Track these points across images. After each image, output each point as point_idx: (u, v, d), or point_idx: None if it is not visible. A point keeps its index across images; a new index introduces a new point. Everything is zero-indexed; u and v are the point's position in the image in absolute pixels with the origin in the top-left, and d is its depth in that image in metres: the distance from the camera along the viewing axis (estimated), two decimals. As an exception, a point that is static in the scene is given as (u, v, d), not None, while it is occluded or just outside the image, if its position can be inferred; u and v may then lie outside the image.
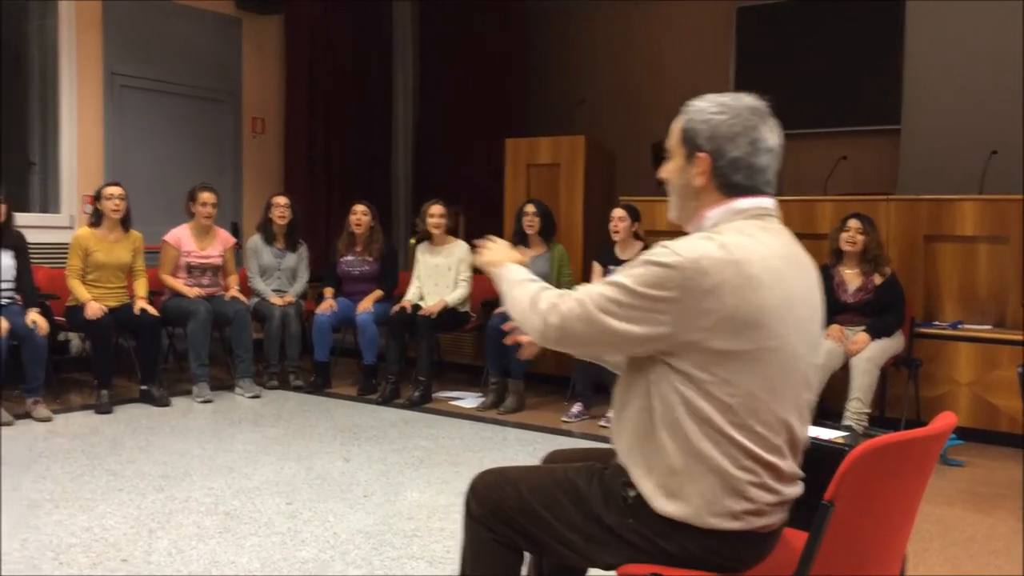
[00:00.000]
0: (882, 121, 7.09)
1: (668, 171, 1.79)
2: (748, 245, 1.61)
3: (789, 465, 1.67)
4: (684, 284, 1.56)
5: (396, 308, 5.79)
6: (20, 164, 6.52)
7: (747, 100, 1.71)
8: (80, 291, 5.23)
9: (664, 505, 1.64)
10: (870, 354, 4.62)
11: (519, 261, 1.95)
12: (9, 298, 4.95)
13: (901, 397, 4.95)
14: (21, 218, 5.31)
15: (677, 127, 1.75)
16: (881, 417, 4.90)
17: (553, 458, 2.07)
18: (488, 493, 1.83)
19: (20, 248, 5.02)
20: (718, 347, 1.57)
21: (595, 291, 1.65)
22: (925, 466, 1.66)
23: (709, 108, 1.71)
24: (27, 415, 4.81)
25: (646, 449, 1.67)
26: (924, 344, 5.03)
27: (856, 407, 4.57)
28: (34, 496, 3.54)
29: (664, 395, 1.63)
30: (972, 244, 5.11)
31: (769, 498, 1.63)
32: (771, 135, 1.71)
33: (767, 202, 1.72)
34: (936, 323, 5.18)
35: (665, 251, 1.60)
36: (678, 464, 1.62)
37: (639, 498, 1.68)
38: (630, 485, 1.70)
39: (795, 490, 1.70)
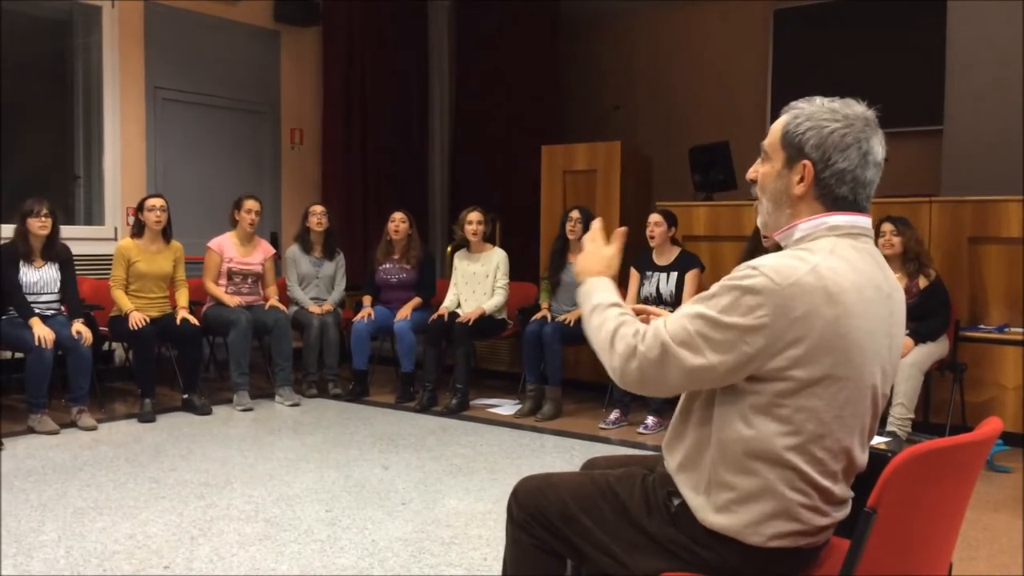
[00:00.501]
0: (924, 122, 6.97)
1: (762, 173, 1.69)
2: (840, 269, 1.53)
3: (842, 489, 1.63)
4: (774, 312, 1.49)
5: (434, 316, 5.81)
6: (66, 178, 6.66)
7: (859, 108, 1.64)
8: (123, 301, 5.32)
9: (712, 518, 1.61)
10: (914, 359, 4.54)
11: (613, 266, 1.83)
12: (55, 309, 5.05)
13: (946, 402, 4.86)
14: (66, 230, 5.42)
15: (778, 127, 1.65)
16: (925, 423, 4.81)
17: (592, 464, 2.06)
18: (530, 499, 1.82)
19: (66, 260, 5.12)
20: (797, 375, 1.51)
21: (675, 328, 1.56)
22: (971, 472, 1.62)
23: (820, 113, 1.61)
24: (73, 424, 4.90)
25: (700, 464, 1.64)
26: (969, 348, 4.93)
27: (900, 412, 4.49)
28: (79, 504, 3.60)
29: (727, 414, 1.59)
30: (1018, 246, 5.00)
31: (818, 520, 1.60)
32: (880, 148, 1.63)
33: (864, 221, 1.63)
34: (982, 326, 5.07)
35: (755, 274, 1.51)
36: (733, 481, 1.59)
37: (683, 507, 1.66)
38: (675, 494, 1.69)
39: (844, 512, 1.66)
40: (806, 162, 1.61)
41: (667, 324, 1.58)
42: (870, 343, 1.56)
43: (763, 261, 1.54)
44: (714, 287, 1.57)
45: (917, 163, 6.90)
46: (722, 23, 8.06)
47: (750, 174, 1.73)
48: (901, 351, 1.69)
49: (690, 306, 1.59)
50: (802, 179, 1.62)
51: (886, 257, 5.01)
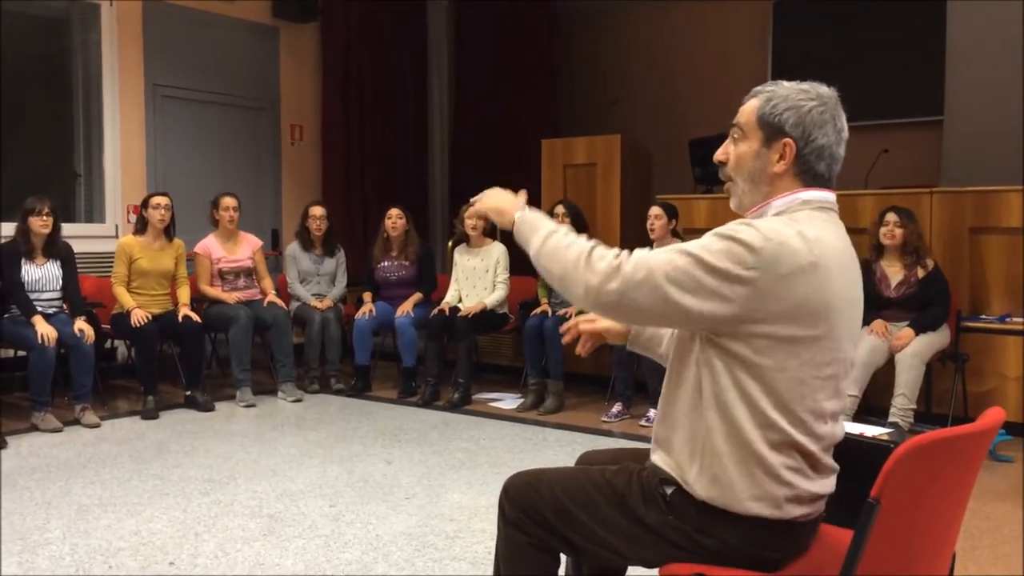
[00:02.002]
0: (923, 112, 6.97)
1: (738, 154, 1.72)
2: (822, 237, 1.59)
3: (825, 456, 1.67)
4: (763, 267, 1.52)
5: (435, 311, 5.82)
6: (66, 176, 6.66)
7: (824, 89, 1.70)
8: (125, 298, 5.33)
9: (706, 490, 1.64)
10: (915, 349, 4.55)
11: (515, 201, 1.85)
12: (57, 307, 5.06)
13: (947, 392, 4.86)
14: (68, 228, 5.42)
15: (752, 108, 1.69)
16: (927, 413, 4.82)
17: (587, 459, 2.07)
18: (521, 495, 1.82)
19: (67, 258, 5.12)
20: (779, 333, 1.56)
21: (663, 259, 1.57)
22: (973, 462, 1.62)
23: (794, 94, 1.66)
24: (76, 421, 4.91)
25: (693, 433, 1.67)
26: (971, 338, 4.93)
27: (902, 403, 4.50)
28: (84, 501, 3.61)
29: (716, 376, 1.62)
30: (1019, 236, 4.99)
31: (806, 485, 1.63)
32: (846, 126, 1.69)
33: (832, 196, 1.70)
34: (983, 317, 5.07)
35: (749, 230, 1.55)
36: (722, 447, 1.62)
37: (677, 494, 1.68)
38: (667, 482, 1.70)
39: (831, 482, 1.70)
40: (788, 140, 1.65)
41: (652, 255, 1.60)
42: (846, 308, 1.62)
43: (754, 221, 1.59)
44: (705, 236, 1.60)
45: (917, 154, 6.91)
46: (721, 16, 8.05)
47: (719, 155, 1.76)
48: (860, 319, 1.74)
49: (678, 245, 1.61)
50: (782, 157, 1.66)
51: (886, 249, 5.01)
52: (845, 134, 1.68)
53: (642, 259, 1.60)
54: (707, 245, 1.56)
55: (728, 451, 1.62)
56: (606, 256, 1.62)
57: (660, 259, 1.58)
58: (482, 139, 8.65)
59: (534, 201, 6.92)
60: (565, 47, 8.77)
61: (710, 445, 1.64)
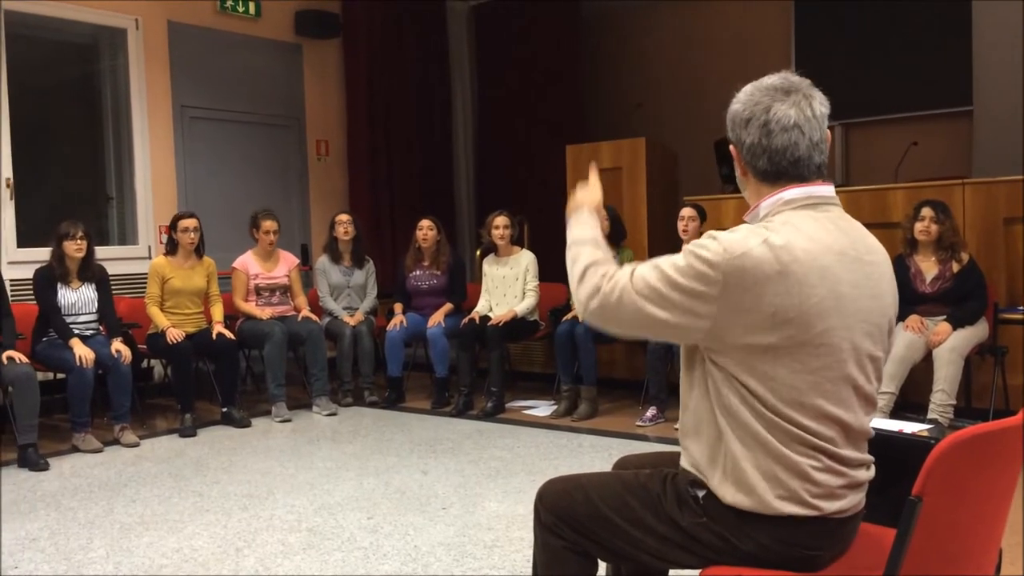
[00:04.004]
0: (953, 103, 6.87)
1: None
2: (793, 241, 1.56)
3: (850, 452, 1.64)
4: (725, 281, 1.54)
5: (466, 320, 5.83)
6: (98, 199, 6.77)
7: (768, 81, 1.68)
8: (159, 317, 5.40)
9: (732, 496, 1.62)
10: (953, 344, 4.48)
11: (599, 207, 1.93)
12: (94, 329, 5.13)
13: (988, 386, 4.79)
14: (101, 251, 5.49)
15: None
16: (967, 408, 4.75)
17: (623, 464, 2.07)
18: (557, 501, 1.82)
19: (102, 280, 5.20)
20: (755, 342, 1.56)
21: (638, 274, 1.63)
22: (1016, 457, 1.59)
23: (736, 97, 1.70)
24: (116, 441, 4.97)
25: (710, 439, 1.67)
26: (1009, 330, 4.85)
27: (941, 399, 4.43)
28: (126, 519, 3.66)
29: (717, 385, 1.64)
30: (1055, 224, 4.92)
31: (836, 481, 1.61)
32: (791, 110, 1.62)
33: (818, 190, 1.65)
34: (1020, 308, 4.98)
35: (712, 244, 1.57)
36: (738, 450, 1.61)
37: (709, 496, 1.67)
38: (696, 484, 1.69)
39: (865, 474, 1.67)
40: (732, 147, 1.72)
41: (634, 271, 1.65)
42: (835, 306, 1.57)
43: (722, 233, 1.60)
44: (684, 249, 1.63)
45: (948, 145, 6.82)
46: (744, 14, 8.01)
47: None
48: (895, 310, 1.71)
49: (659, 259, 1.65)
50: (737, 162, 1.72)
51: (920, 244, 4.93)
52: (781, 123, 1.61)
53: (619, 278, 1.66)
54: (676, 261, 1.61)
55: (745, 454, 1.61)
56: (595, 275, 1.69)
57: (637, 277, 1.63)
58: (507, 147, 8.67)
59: (562, 208, 6.86)
60: (588, 52, 8.76)
61: (727, 449, 1.63)
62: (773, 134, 1.63)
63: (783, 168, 1.65)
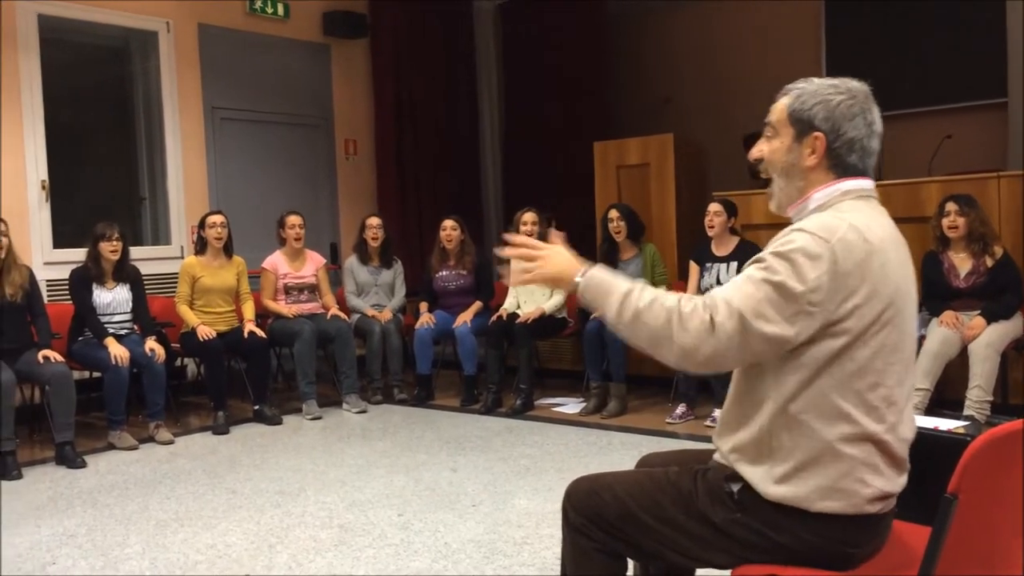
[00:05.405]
0: (986, 95, 6.77)
1: (771, 150, 1.76)
2: (870, 224, 1.61)
3: (900, 447, 1.64)
4: (830, 268, 1.54)
5: (494, 317, 5.83)
6: (132, 200, 6.86)
7: (855, 83, 1.72)
8: (188, 315, 5.46)
9: (774, 489, 1.62)
10: (989, 339, 4.42)
11: (573, 263, 1.75)
12: (128, 329, 5.20)
13: (1024, 382, 4.72)
14: (135, 251, 5.57)
15: (783, 105, 1.74)
16: (1004, 404, 4.67)
17: (647, 462, 2.05)
18: (584, 500, 1.81)
19: (136, 281, 5.27)
20: (851, 326, 1.56)
21: (742, 296, 1.57)
22: (1055, 454, 1.57)
23: (823, 89, 1.70)
24: (150, 439, 5.04)
25: (761, 431, 1.65)
26: (1047, 325, 4.77)
27: (977, 395, 4.37)
28: (161, 516, 3.71)
29: (782, 376, 1.61)
30: (1093, 217, 4.82)
31: (881, 483, 1.60)
32: (879, 120, 1.71)
33: (870, 184, 1.72)
34: (1059, 303, 4.90)
35: (803, 237, 1.57)
36: (791, 445, 1.61)
37: (744, 491, 1.66)
38: (733, 480, 1.68)
39: (904, 478, 1.67)
40: (818, 134, 1.68)
41: (731, 294, 1.59)
42: (907, 288, 1.65)
43: (803, 225, 1.61)
44: (766, 258, 1.60)
45: (982, 138, 6.71)
46: (772, 7, 7.93)
47: (754, 153, 1.79)
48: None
49: (749, 272, 1.61)
50: (813, 151, 1.69)
51: (952, 240, 4.87)
52: (877, 127, 1.70)
53: (727, 304, 1.57)
54: (774, 268, 1.57)
55: (797, 448, 1.60)
56: (696, 312, 1.59)
57: (741, 299, 1.57)
58: (534, 144, 8.65)
59: (589, 204, 6.83)
60: (614, 48, 8.72)
61: (776, 444, 1.62)
62: (872, 135, 1.70)
63: (866, 165, 1.70)
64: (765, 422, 1.64)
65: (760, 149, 1.78)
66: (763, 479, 1.63)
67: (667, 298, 1.63)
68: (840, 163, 1.68)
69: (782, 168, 1.74)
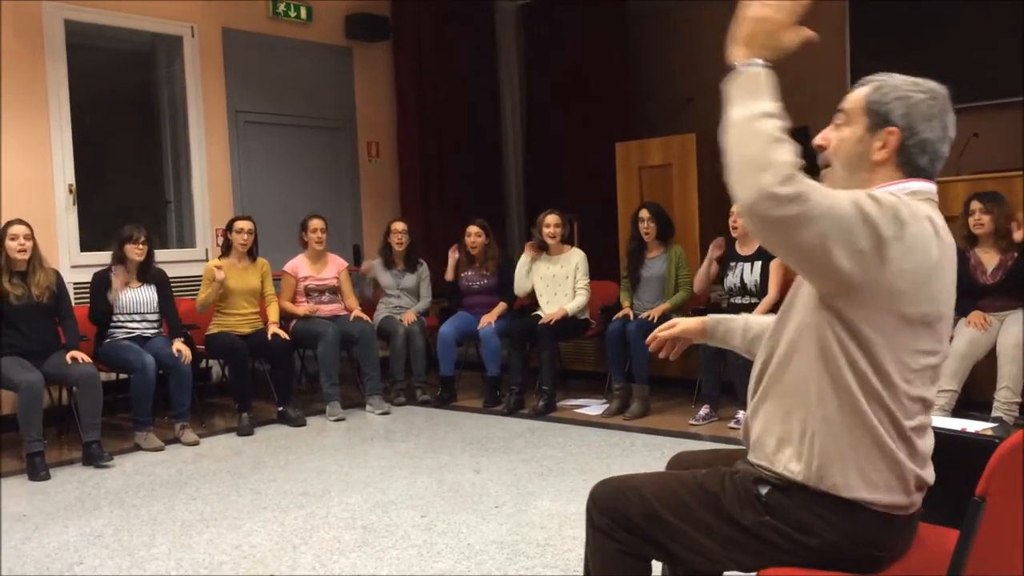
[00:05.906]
0: (1013, 92, 6.68)
1: (839, 138, 1.69)
2: (932, 216, 1.60)
3: (924, 444, 1.64)
4: (907, 238, 1.50)
5: (516, 306, 5.83)
6: (157, 203, 6.93)
7: (936, 85, 1.68)
8: (204, 295, 5.55)
9: (815, 476, 1.60)
10: (1017, 340, 4.36)
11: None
12: (155, 329, 5.25)
13: (1054, 384, 4.65)
14: (160, 254, 5.63)
15: (861, 95, 1.67)
16: (1033, 406, 4.61)
17: (678, 462, 2.04)
18: (609, 501, 1.80)
19: (162, 283, 5.32)
20: (904, 311, 1.54)
21: (849, 194, 1.50)
22: (1085, 456, 1.55)
23: (904, 84, 1.65)
24: (176, 440, 5.09)
25: (800, 426, 1.63)
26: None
27: (1005, 396, 4.32)
28: (186, 516, 3.74)
29: (830, 355, 1.57)
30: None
31: (919, 470, 1.61)
32: (953, 125, 1.67)
33: (935, 189, 1.68)
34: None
35: (893, 199, 1.52)
36: (829, 433, 1.59)
37: (773, 493, 1.65)
38: (762, 482, 1.67)
39: (931, 474, 1.67)
40: (892, 129, 1.63)
41: (833, 200, 1.47)
42: (952, 291, 1.63)
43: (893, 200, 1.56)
44: (854, 192, 1.51)
45: (1007, 136, 6.63)
46: (795, 6, 7.88)
47: (818, 140, 1.73)
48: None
49: (840, 192, 1.51)
50: (884, 145, 1.64)
51: (979, 237, 4.82)
52: (951, 132, 1.65)
53: (831, 204, 1.45)
54: (861, 202, 1.48)
55: (836, 437, 1.58)
56: (793, 160, 1.45)
57: (837, 212, 1.45)
58: (556, 146, 8.65)
59: (611, 205, 6.81)
60: (636, 48, 8.71)
61: (825, 428, 1.59)
62: (945, 140, 1.66)
63: (934, 170, 1.67)
64: (804, 415, 1.62)
65: (826, 136, 1.71)
66: (801, 468, 1.62)
67: (779, 123, 1.51)
68: (910, 162, 1.64)
69: (847, 158, 1.67)
